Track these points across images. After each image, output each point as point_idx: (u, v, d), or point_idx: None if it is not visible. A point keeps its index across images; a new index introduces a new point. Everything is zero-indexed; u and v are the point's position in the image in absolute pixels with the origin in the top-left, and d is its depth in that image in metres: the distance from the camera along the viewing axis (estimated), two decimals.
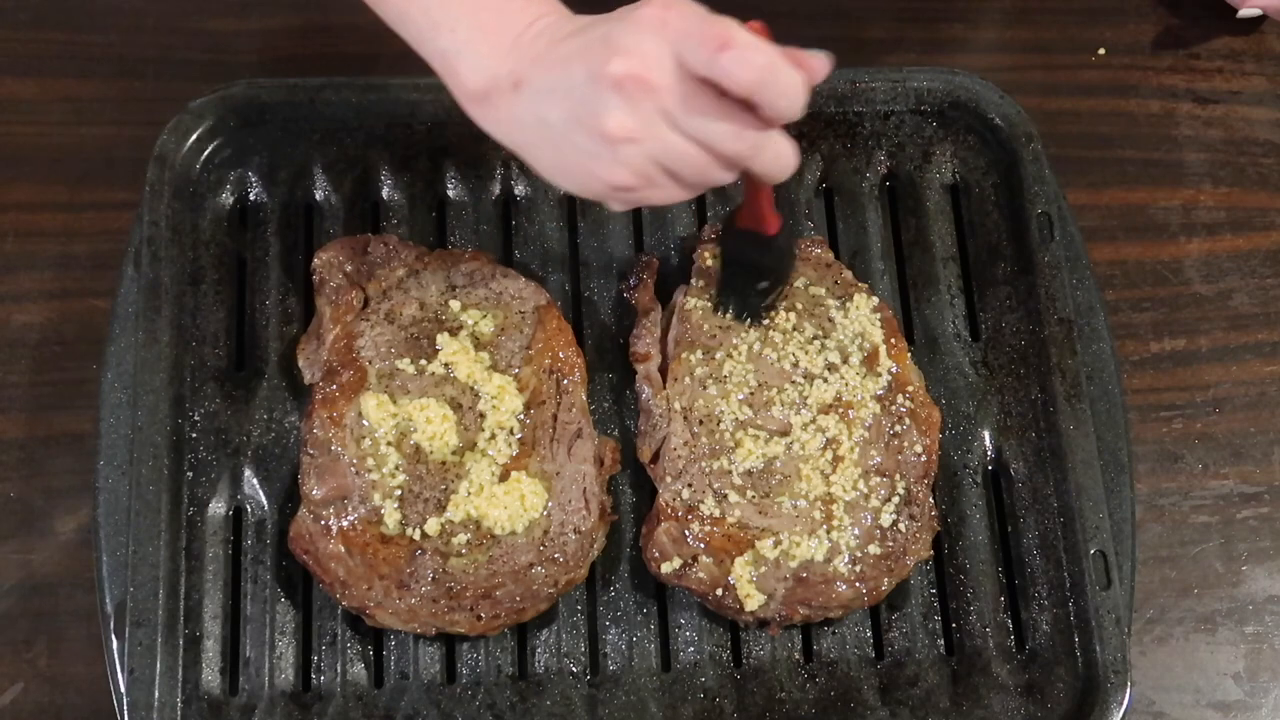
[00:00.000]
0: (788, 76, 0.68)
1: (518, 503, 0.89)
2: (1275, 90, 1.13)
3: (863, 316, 0.95)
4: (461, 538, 0.88)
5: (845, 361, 0.94)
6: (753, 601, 0.88)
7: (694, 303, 0.95)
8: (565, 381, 0.92)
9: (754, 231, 0.87)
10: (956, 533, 0.94)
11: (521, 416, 0.92)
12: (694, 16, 0.67)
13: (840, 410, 0.92)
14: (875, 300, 0.96)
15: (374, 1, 0.79)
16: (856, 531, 0.90)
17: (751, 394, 0.92)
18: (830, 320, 0.95)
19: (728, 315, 0.94)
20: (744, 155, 0.71)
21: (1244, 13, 1.12)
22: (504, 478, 0.90)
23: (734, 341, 0.94)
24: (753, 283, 0.92)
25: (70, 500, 0.95)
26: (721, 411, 0.92)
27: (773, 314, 0.94)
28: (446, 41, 0.74)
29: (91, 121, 1.06)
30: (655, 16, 0.67)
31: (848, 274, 0.98)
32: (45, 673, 0.92)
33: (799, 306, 0.95)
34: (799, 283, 0.97)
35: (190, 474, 0.92)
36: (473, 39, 0.73)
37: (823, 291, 0.96)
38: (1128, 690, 0.88)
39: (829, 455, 0.91)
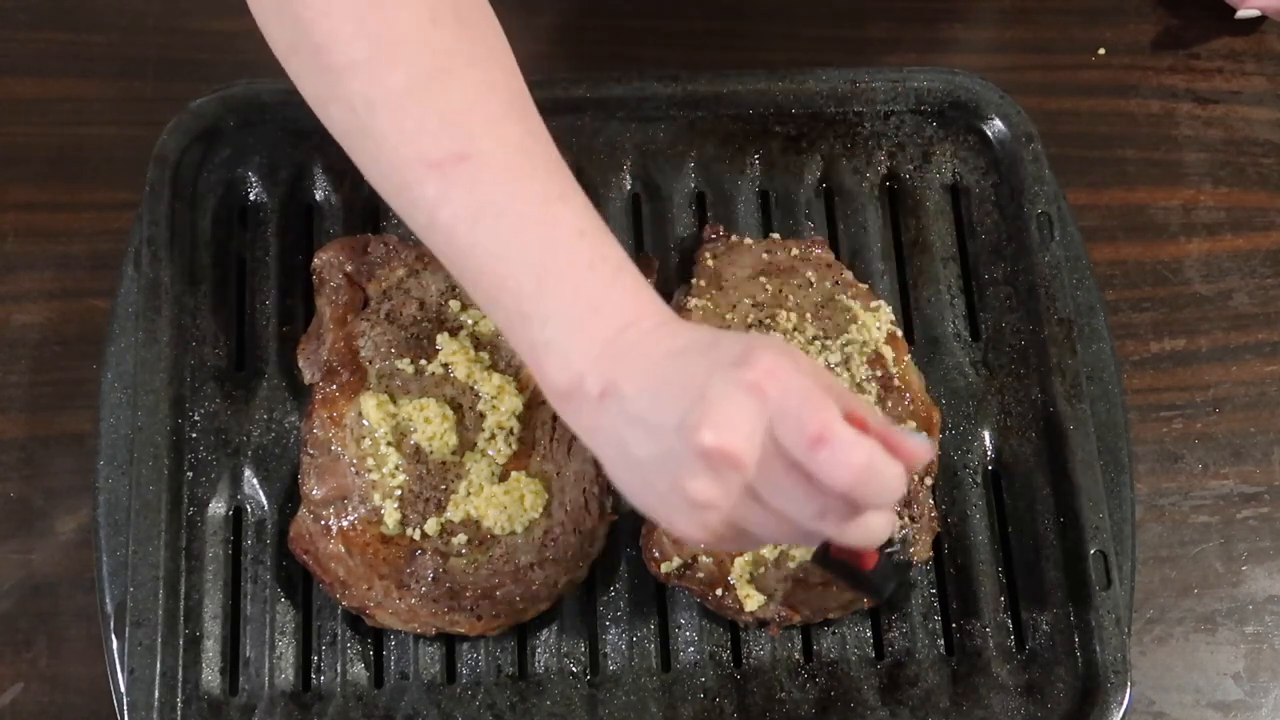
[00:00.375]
0: (886, 472, 0.63)
1: (517, 503, 0.89)
2: (1275, 90, 1.13)
3: (867, 319, 0.95)
4: (461, 538, 0.88)
5: (846, 362, 0.94)
6: (752, 601, 0.88)
7: (694, 303, 0.95)
8: None
9: (847, 563, 0.76)
10: (956, 533, 0.94)
11: (521, 416, 0.92)
12: (796, 394, 0.62)
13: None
14: (889, 311, 0.96)
15: (469, 286, 0.73)
16: None
17: None
18: (831, 321, 0.95)
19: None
20: (829, 532, 0.66)
21: (1242, 13, 1.12)
22: (504, 478, 0.90)
23: None
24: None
25: (70, 500, 0.95)
26: None
27: (775, 318, 0.94)
28: (536, 334, 0.69)
29: (91, 121, 1.06)
30: (756, 385, 0.62)
31: (848, 274, 0.98)
32: (45, 673, 0.92)
33: (800, 307, 0.96)
34: (800, 283, 0.97)
35: (190, 474, 0.92)
36: (563, 335, 0.68)
37: (824, 294, 0.96)
38: (1128, 690, 0.88)
39: None
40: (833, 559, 0.75)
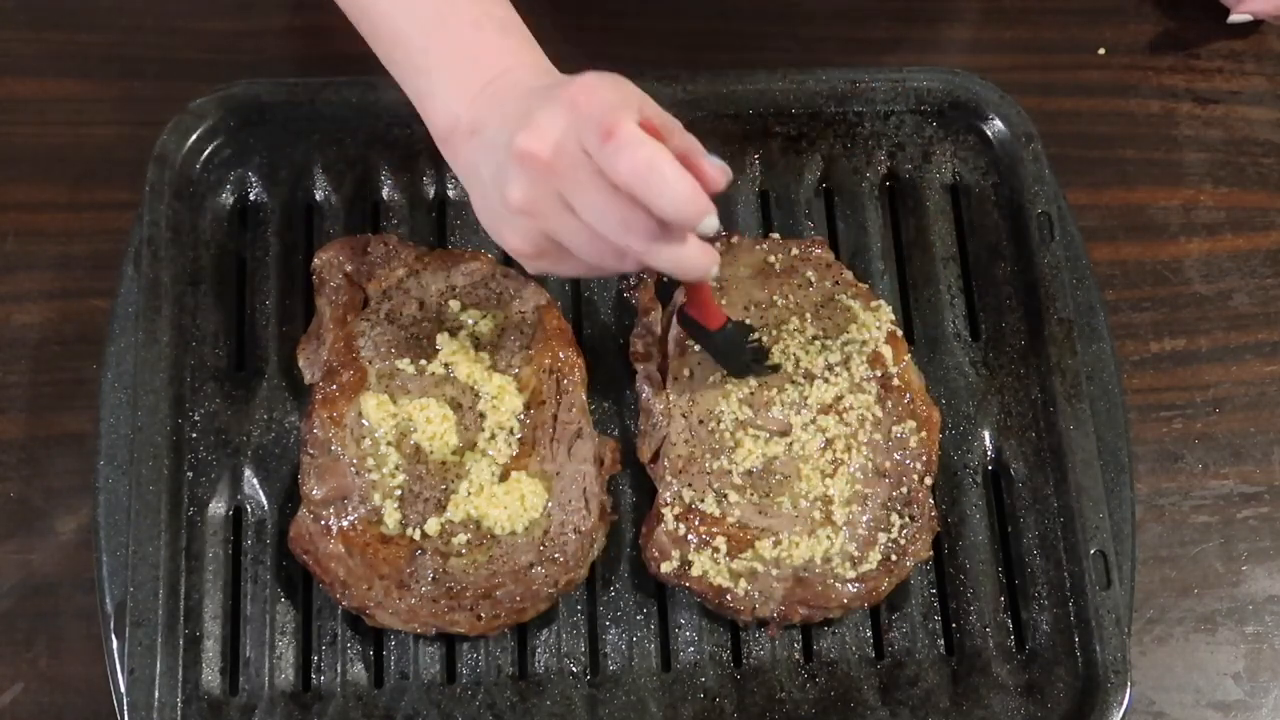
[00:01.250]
0: (670, 177, 0.67)
1: (518, 503, 0.89)
2: (1275, 90, 1.13)
3: (867, 319, 0.95)
4: (461, 538, 0.88)
5: (846, 362, 0.94)
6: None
7: None
8: (565, 381, 0.92)
9: (698, 322, 0.87)
10: (956, 533, 0.94)
11: (521, 416, 0.92)
12: (601, 104, 0.68)
13: (840, 410, 0.92)
14: (889, 311, 0.96)
15: (369, 39, 0.84)
16: (856, 532, 0.90)
17: (751, 394, 0.92)
18: (831, 321, 0.95)
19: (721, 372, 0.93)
20: (635, 250, 0.71)
21: (1234, 18, 1.11)
22: (504, 478, 0.90)
23: None
24: (725, 357, 0.91)
25: (70, 500, 0.95)
26: (721, 411, 0.92)
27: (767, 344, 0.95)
28: (423, 83, 0.79)
29: (91, 121, 1.06)
30: (569, 98, 0.69)
31: (848, 274, 0.98)
32: (45, 673, 0.92)
33: (800, 307, 0.96)
34: (800, 283, 0.97)
35: (190, 474, 0.92)
36: (444, 83, 0.78)
37: (824, 294, 0.96)
38: (1128, 690, 0.88)
39: (829, 455, 0.91)
40: (686, 315, 0.86)
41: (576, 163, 0.68)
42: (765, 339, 0.94)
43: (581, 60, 1.09)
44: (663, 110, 0.72)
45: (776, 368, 0.93)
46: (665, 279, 0.99)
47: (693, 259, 0.73)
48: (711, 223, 0.69)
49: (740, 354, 0.91)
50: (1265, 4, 1.09)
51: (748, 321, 0.94)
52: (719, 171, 0.71)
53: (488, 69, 0.77)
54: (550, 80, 0.76)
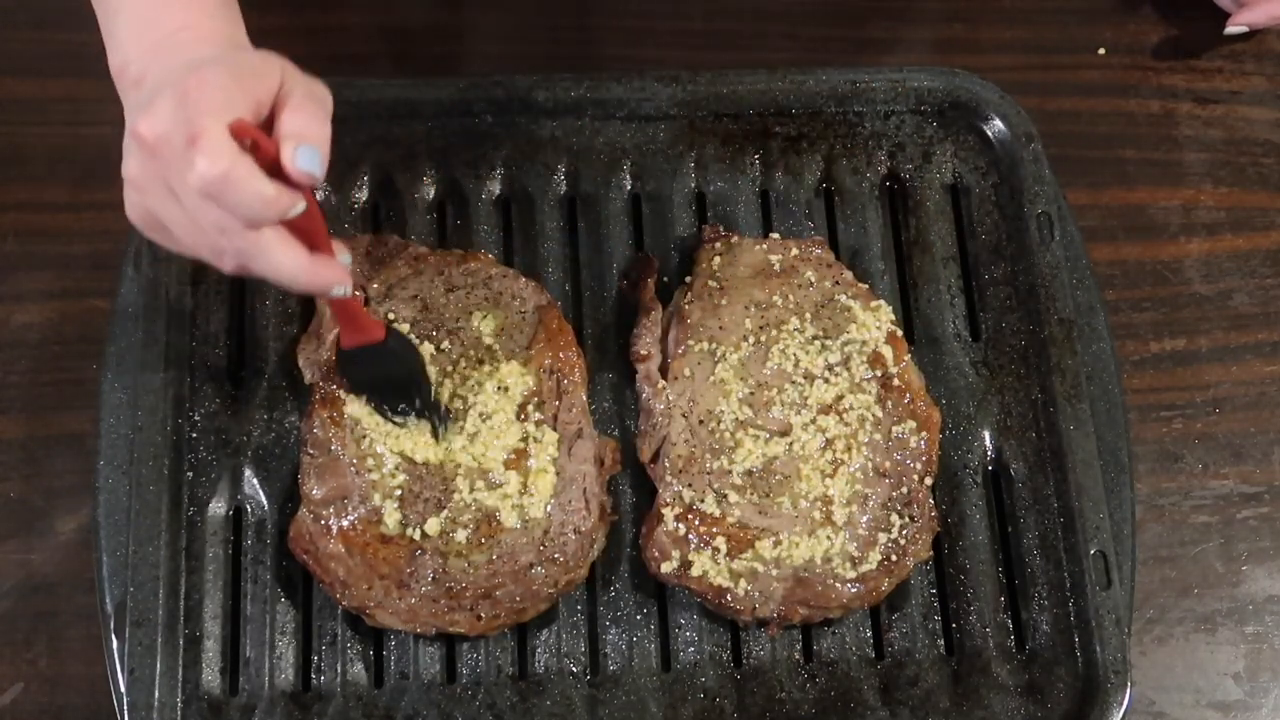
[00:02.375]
0: (247, 187, 0.68)
1: (522, 493, 0.88)
2: (1275, 90, 1.13)
3: (867, 319, 0.95)
4: (462, 540, 0.88)
5: (846, 362, 0.94)
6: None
7: (694, 303, 0.95)
8: (565, 381, 0.92)
9: (367, 345, 0.86)
10: (956, 533, 0.94)
11: (522, 416, 0.91)
12: (204, 102, 0.68)
13: (840, 410, 0.92)
14: (889, 311, 0.96)
15: None
16: (856, 532, 0.90)
17: (751, 394, 0.92)
18: (831, 321, 0.95)
19: (399, 420, 0.90)
20: (233, 251, 0.72)
21: (1231, 29, 1.11)
22: (500, 484, 0.90)
23: (734, 341, 0.94)
24: (396, 393, 0.89)
25: (70, 500, 0.95)
26: (721, 411, 0.92)
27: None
28: (110, 20, 0.80)
29: (91, 121, 1.06)
30: (185, 88, 0.69)
31: (848, 274, 0.98)
32: (45, 673, 0.92)
33: (800, 307, 0.96)
34: (800, 283, 0.97)
35: (190, 474, 0.92)
36: (125, 25, 0.79)
37: (824, 294, 0.96)
38: (1128, 690, 0.88)
39: (829, 455, 0.91)
40: (353, 351, 0.86)
41: (177, 156, 0.69)
42: (764, 337, 0.94)
43: (583, 60, 1.11)
44: (305, 93, 0.72)
45: (440, 431, 0.90)
46: (665, 279, 0.99)
47: (290, 266, 0.73)
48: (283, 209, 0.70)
49: (411, 356, 0.90)
50: (1260, 15, 1.09)
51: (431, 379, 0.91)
52: (308, 169, 0.70)
53: (167, 22, 0.78)
54: (206, 53, 0.75)
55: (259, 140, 0.69)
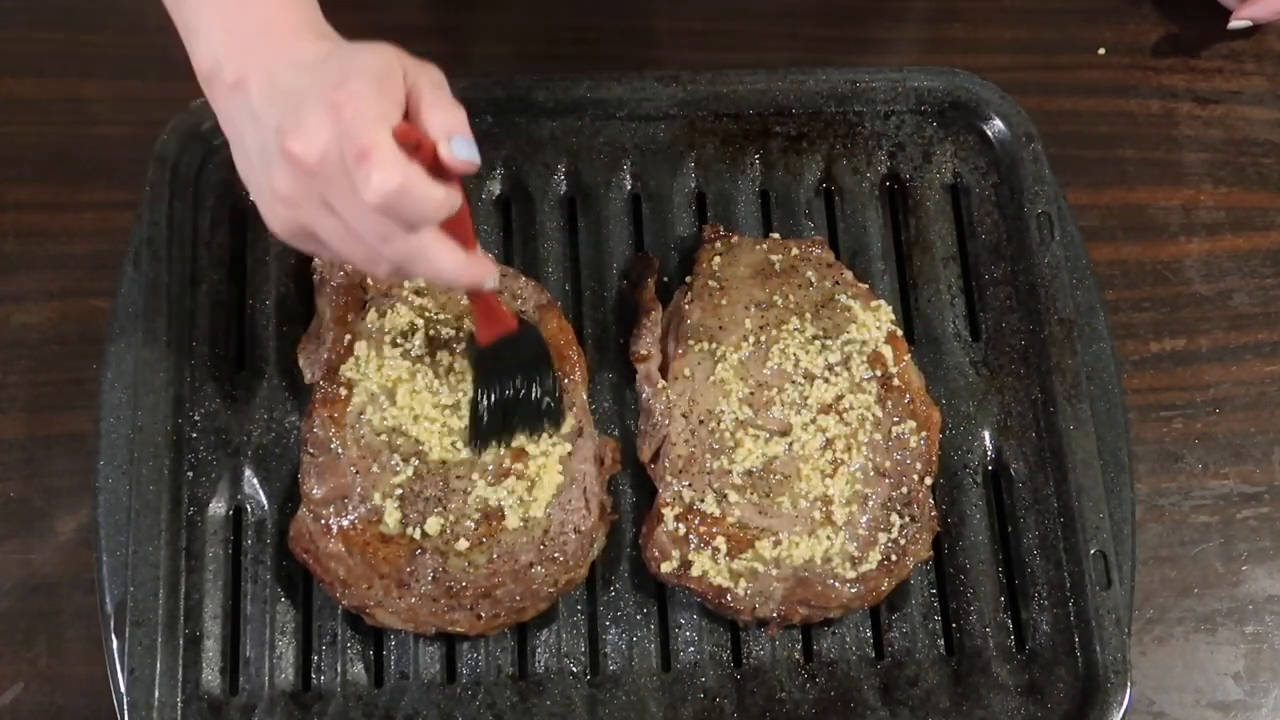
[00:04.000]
0: (422, 195, 0.69)
1: (526, 489, 0.88)
2: (1275, 90, 1.13)
3: (867, 319, 0.95)
4: (463, 533, 0.88)
5: (846, 361, 0.94)
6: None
7: (694, 303, 0.95)
8: (565, 381, 0.92)
9: (502, 338, 0.86)
10: (956, 533, 0.94)
11: None
12: (362, 116, 0.68)
13: (840, 410, 0.92)
14: (889, 311, 0.96)
15: None
16: (856, 532, 0.90)
17: (752, 394, 0.92)
18: (831, 321, 0.95)
19: (515, 434, 0.88)
20: (393, 259, 0.73)
21: (1234, 24, 1.11)
22: (504, 477, 0.90)
23: (734, 341, 0.94)
24: (524, 389, 0.88)
25: (70, 500, 0.95)
26: (722, 411, 0.92)
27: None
28: (190, 16, 0.77)
29: (91, 121, 1.06)
30: (334, 102, 0.69)
31: (848, 274, 0.98)
32: (45, 673, 0.92)
33: (800, 307, 0.96)
34: (800, 283, 0.97)
35: (190, 474, 0.92)
36: (212, 22, 0.76)
37: (824, 294, 0.96)
38: (1128, 690, 0.88)
39: (829, 455, 0.91)
40: (490, 347, 0.86)
41: (339, 172, 0.69)
42: (765, 337, 0.94)
43: (583, 60, 1.11)
44: (430, 83, 0.72)
45: (557, 422, 0.89)
46: (665, 279, 0.99)
47: (451, 268, 0.74)
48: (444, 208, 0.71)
49: (542, 346, 0.89)
50: (1265, 10, 1.09)
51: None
52: (465, 165, 0.71)
53: (254, 18, 0.75)
54: (314, 56, 0.74)
55: (422, 141, 0.70)
